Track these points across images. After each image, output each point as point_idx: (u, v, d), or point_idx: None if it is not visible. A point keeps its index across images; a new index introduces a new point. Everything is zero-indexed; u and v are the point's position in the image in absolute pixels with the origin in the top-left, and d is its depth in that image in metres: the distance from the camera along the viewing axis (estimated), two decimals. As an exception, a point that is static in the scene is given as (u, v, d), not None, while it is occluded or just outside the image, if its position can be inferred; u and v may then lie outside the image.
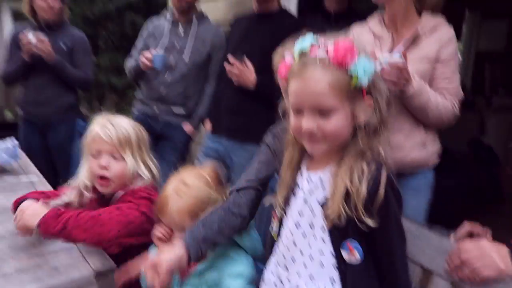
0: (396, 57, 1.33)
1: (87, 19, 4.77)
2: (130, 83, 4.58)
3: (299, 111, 0.89)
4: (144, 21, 2.56)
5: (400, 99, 1.46)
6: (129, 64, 2.46)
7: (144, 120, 2.35)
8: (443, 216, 1.67)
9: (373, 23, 1.62)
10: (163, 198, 1.15)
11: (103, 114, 1.38)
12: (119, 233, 1.13)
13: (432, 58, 1.48)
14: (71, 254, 1.20)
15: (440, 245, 1.05)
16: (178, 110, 2.37)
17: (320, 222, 0.93)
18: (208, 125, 2.19)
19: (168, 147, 2.39)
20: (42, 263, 1.15)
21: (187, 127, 2.38)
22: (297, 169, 1.01)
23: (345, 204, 0.87)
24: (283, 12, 2.10)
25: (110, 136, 1.26)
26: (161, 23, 2.41)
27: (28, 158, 2.17)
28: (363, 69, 0.82)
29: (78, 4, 4.81)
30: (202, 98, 2.38)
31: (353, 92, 0.85)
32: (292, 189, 1.00)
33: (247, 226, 1.13)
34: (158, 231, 1.17)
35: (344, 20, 1.97)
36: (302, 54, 0.87)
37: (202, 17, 2.42)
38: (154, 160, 1.42)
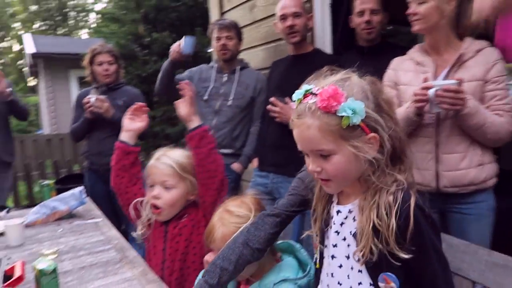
0: (450, 82, 1.41)
1: (142, 78, 5.23)
2: (183, 132, 4.86)
3: (306, 154, 0.95)
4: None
5: (456, 120, 1.49)
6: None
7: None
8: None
9: (414, 52, 1.69)
10: (209, 227, 1.24)
11: (161, 149, 1.53)
12: None
13: (479, 78, 1.51)
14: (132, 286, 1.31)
15: (489, 259, 1.04)
16: (226, 151, 2.50)
17: (354, 255, 0.93)
18: (255, 162, 2.29)
19: (218, 186, 2.51)
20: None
21: (236, 166, 2.50)
22: (329, 202, 1.04)
23: (376, 240, 0.87)
24: (317, 52, 2.22)
25: (159, 167, 1.39)
26: (208, 70, 2.61)
27: (94, 203, 2.38)
28: (351, 110, 0.85)
29: (133, 66, 5.29)
30: (248, 138, 2.51)
31: (347, 131, 0.87)
32: (326, 222, 1.03)
33: (262, 257, 1.17)
34: (209, 257, 1.25)
35: (377, 53, 2.06)
36: (299, 102, 0.92)
37: (244, 64, 2.60)
38: None
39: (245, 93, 2.48)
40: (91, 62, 2.76)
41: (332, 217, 1.01)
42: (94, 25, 20.89)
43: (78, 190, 2.19)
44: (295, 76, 2.17)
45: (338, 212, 0.99)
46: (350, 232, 0.95)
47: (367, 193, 0.91)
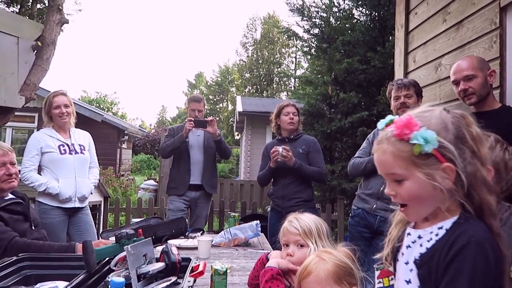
0: None
1: (326, 134, 5.58)
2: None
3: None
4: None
5: None
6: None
7: (361, 215, 2.55)
8: None
9: None
10: (307, 264, 1.23)
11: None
12: None
13: None
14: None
15: None
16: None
17: (416, 280, 0.93)
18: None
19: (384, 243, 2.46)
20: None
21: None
22: (406, 226, 1.04)
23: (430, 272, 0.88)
24: (506, 109, 2.04)
25: (295, 228, 1.48)
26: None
27: (266, 238, 2.68)
28: (423, 138, 0.89)
29: (319, 123, 5.72)
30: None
31: (419, 159, 0.90)
32: (398, 244, 1.03)
33: None
34: None
35: None
36: (382, 130, 0.98)
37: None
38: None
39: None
40: (278, 114, 3.21)
41: (402, 241, 1.02)
42: (292, 88, 23.39)
43: (255, 223, 2.53)
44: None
45: (408, 234, 1.00)
46: (415, 257, 0.94)
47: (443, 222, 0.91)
